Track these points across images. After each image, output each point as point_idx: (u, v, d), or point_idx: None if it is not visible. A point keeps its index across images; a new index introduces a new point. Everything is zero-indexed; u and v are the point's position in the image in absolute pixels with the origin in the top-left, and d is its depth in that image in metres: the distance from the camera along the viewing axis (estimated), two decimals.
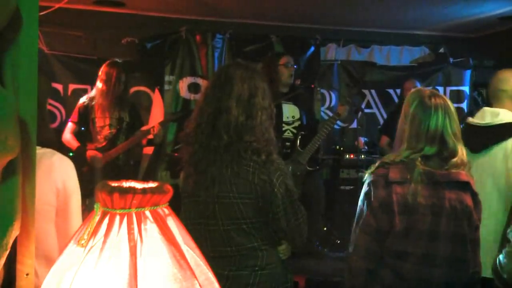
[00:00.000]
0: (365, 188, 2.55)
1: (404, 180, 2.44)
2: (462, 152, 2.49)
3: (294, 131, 5.30)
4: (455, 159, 2.47)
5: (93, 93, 5.49)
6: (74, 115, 5.43)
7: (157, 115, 6.61)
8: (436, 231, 2.43)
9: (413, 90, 2.68)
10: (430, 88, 6.96)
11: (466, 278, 2.50)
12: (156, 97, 6.74)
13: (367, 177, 2.57)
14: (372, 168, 2.57)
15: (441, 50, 7.59)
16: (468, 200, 2.48)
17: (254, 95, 2.48)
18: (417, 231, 2.42)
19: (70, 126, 5.43)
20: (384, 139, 6.14)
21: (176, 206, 1.40)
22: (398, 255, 2.45)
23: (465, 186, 2.49)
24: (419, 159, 2.46)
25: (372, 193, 2.48)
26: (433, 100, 2.51)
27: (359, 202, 2.56)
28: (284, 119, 5.26)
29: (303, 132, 5.31)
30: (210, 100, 2.50)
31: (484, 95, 7.64)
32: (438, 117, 2.48)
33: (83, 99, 5.46)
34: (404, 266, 2.44)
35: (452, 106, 2.55)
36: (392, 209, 2.42)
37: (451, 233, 2.43)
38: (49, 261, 2.03)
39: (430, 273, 2.44)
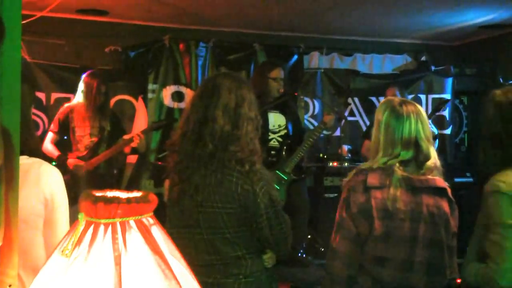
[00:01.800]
0: (343, 194, 2.56)
1: (382, 185, 2.46)
2: (434, 155, 2.54)
3: (280, 139, 5.31)
4: (429, 162, 2.51)
5: (73, 102, 5.47)
6: (55, 125, 5.41)
7: (140, 123, 6.58)
8: (414, 237, 2.45)
9: (383, 100, 2.72)
10: (412, 96, 7.06)
11: (444, 284, 2.52)
12: (139, 105, 6.72)
13: (345, 184, 2.59)
14: (350, 174, 2.59)
15: (423, 58, 7.64)
16: (445, 206, 2.51)
17: (241, 105, 2.49)
18: (396, 236, 2.44)
19: (50, 136, 5.41)
20: (367, 143, 6.18)
21: (160, 215, 1.39)
22: (377, 261, 2.46)
23: (442, 192, 2.52)
24: (397, 164, 2.49)
25: (351, 198, 2.49)
26: (404, 107, 2.56)
27: (338, 209, 2.57)
28: (270, 127, 5.26)
29: (289, 141, 5.31)
30: (196, 108, 2.51)
31: (466, 103, 7.71)
32: (411, 123, 2.52)
33: (63, 108, 5.44)
34: (383, 272, 2.45)
35: (423, 112, 2.60)
36: (371, 214, 2.44)
37: (428, 239, 2.45)
38: (37, 272, 2.01)
39: (408, 279, 2.45)
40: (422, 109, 2.62)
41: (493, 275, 2.29)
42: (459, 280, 2.67)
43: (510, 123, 2.38)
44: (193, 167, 2.46)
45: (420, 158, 2.52)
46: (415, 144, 2.51)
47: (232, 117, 2.46)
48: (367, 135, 6.34)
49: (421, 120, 2.55)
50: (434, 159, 2.53)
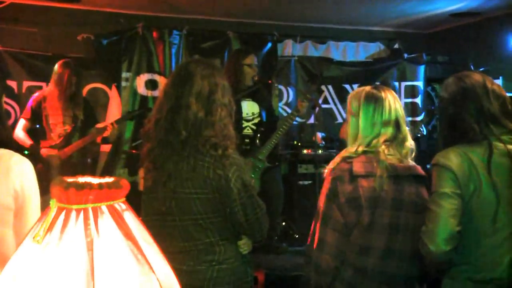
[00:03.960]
0: (329, 184, 2.52)
1: (368, 173, 2.47)
2: (409, 136, 2.59)
3: (254, 127, 5.31)
4: (407, 143, 2.56)
5: (46, 90, 5.43)
6: (27, 112, 5.36)
7: (114, 112, 6.55)
8: (396, 224, 2.47)
9: (352, 92, 2.76)
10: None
11: (425, 271, 2.55)
12: (113, 93, 6.67)
13: (328, 173, 2.57)
14: (334, 163, 2.59)
15: (396, 46, 7.69)
16: (425, 194, 2.54)
17: (214, 92, 2.49)
18: (380, 225, 2.45)
19: (22, 122, 5.35)
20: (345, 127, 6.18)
21: (134, 204, 1.40)
22: (362, 250, 2.46)
23: (422, 180, 2.56)
24: (383, 146, 2.50)
25: (338, 188, 2.48)
26: (380, 90, 2.60)
27: (323, 198, 2.54)
28: (244, 115, 5.26)
29: (262, 129, 5.32)
30: (169, 96, 2.51)
31: (438, 90, 7.80)
32: (390, 103, 2.55)
33: (35, 95, 5.40)
34: (366, 261, 2.46)
35: (396, 95, 2.64)
36: (359, 203, 2.43)
37: (410, 226, 2.47)
38: None
39: (391, 267, 2.46)
40: (395, 94, 2.66)
41: (424, 237, 2.34)
42: None
43: (460, 107, 2.46)
44: (166, 154, 2.47)
45: (399, 138, 2.55)
46: (394, 122, 2.55)
47: (206, 104, 2.46)
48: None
49: (398, 102, 2.60)
50: (410, 140, 2.59)
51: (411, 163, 2.57)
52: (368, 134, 2.55)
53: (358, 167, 2.49)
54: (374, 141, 2.53)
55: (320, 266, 2.52)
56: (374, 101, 2.57)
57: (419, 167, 2.58)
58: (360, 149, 2.54)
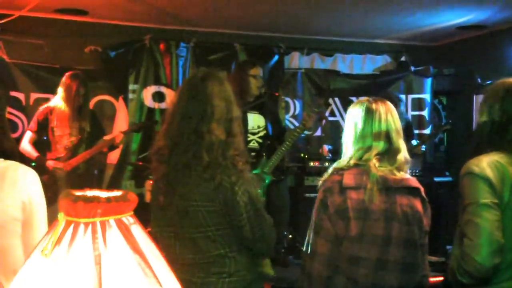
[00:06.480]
0: (320, 195, 2.57)
1: (358, 185, 2.48)
2: (404, 148, 2.59)
3: (260, 140, 5.31)
4: (400, 156, 2.55)
5: (52, 103, 5.44)
6: (33, 124, 5.38)
7: (121, 124, 6.57)
8: (388, 236, 2.48)
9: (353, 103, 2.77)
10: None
11: (417, 282, 2.55)
12: (120, 105, 6.69)
13: (321, 184, 2.60)
14: (326, 175, 2.61)
15: (403, 59, 7.70)
16: (418, 205, 2.55)
17: (231, 110, 2.51)
18: (371, 236, 2.46)
19: (29, 135, 5.37)
20: None
21: (141, 215, 1.39)
22: (352, 261, 2.48)
23: (415, 192, 2.56)
24: (374, 160, 2.51)
25: (328, 199, 2.51)
26: (373, 103, 2.60)
27: (315, 210, 2.58)
28: (249, 128, 5.26)
29: (268, 142, 5.31)
30: (188, 118, 2.48)
31: (444, 103, 7.78)
32: (381, 116, 2.56)
33: (42, 108, 5.42)
34: (358, 272, 2.47)
35: (392, 107, 2.64)
36: (347, 214, 2.46)
37: (402, 238, 2.48)
38: None
39: (383, 278, 2.47)
40: (391, 105, 2.66)
41: (469, 251, 2.32)
42: (433, 279, 2.69)
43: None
44: (180, 176, 2.45)
45: (391, 151, 2.55)
46: (385, 136, 2.55)
47: (226, 126, 2.47)
48: None
49: (391, 114, 2.60)
50: (404, 152, 2.58)
51: (405, 175, 2.57)
52: (360, 146, 2.56)
53: (348, 179, 2.51)
54: (366, 155, 2.54)
55: (311, 276, 2.54)
56: (365, 113, 2.58)
57: (412, 179, 2.59)
58: (352, 162, 2.55)
